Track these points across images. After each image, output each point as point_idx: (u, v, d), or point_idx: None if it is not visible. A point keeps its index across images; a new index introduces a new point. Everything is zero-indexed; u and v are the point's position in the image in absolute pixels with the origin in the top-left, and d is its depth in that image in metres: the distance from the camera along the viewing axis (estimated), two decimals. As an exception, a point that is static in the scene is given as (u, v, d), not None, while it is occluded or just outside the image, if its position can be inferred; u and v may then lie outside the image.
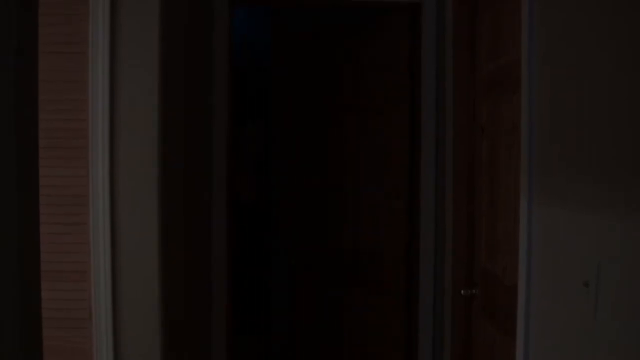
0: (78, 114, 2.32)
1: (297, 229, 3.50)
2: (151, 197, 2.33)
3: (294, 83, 3.23)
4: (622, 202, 1.35)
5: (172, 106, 2.53)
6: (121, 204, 2.32)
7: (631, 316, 1.31)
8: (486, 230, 2.52)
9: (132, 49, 2.31)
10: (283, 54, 3.28)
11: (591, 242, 1.47)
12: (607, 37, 1.43)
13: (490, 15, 2.52)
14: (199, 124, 3.05)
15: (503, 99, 2.31)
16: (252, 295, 4.17)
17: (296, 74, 3.19)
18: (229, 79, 3.09)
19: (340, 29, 3.21)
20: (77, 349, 2.34)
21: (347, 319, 3.27)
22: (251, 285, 4.13)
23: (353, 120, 3.14)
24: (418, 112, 3.08)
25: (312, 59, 3.21)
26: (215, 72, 3.06)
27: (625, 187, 1.34)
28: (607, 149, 1.41)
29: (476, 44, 2.68)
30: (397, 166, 3.19)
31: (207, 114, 3.06)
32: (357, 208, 3.27)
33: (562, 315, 1.63)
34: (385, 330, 3.22)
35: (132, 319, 2.34)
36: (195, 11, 3.05)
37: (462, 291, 2.60)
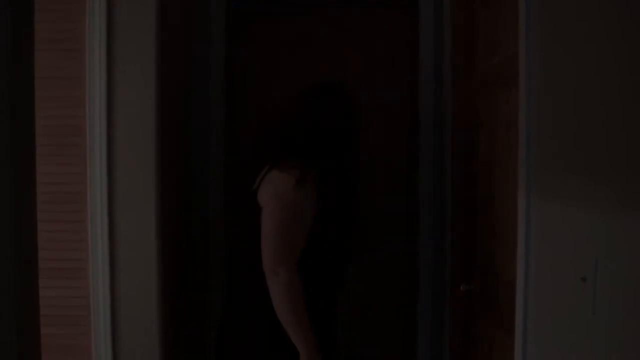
0: (75, 111, 2.32)
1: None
2: (149, 194, 2.33)
3: (286, 81, 3.22)
4: (619, 198, 1.35)
5: (170, 102, 2.53)
6: (119, 201, 2.32)
7: (629, 311, 1.31)
8: (484, 226, 2.53)
9: (129, 45, 2.31)
10: (279, 51, 3.28)
11: (589, 238, 1.47)
12: (604, 34, 1.43)
13: (487, 11, 2.52)
14: (196, 118, 3.04)
15: (500, 95, 2.31)
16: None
17: (289, 72, 3.19)
18: (225, 74, 3.09)
19: (339, 27, 3.21)
20: (75, 346, 2.34)
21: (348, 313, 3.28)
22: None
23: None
24: (417, 109, 3.08)
25: (307, 57, 3.21)
26: (212, 66, 3.06)
27: (622, 184, 1.34)
28: (604, 146, 1.41)
29: (474, 40, 2.68)
30: (397, 162, 3.19)
31: (204, 108, 3.05)
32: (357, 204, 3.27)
33: (560, 311, 1.63)
34: (385, 324, 3.23)
35: (130, 316, 2.34)
36: (192, 8, 3.04)
37: (461, 286, 2.61)
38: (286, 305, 1.98)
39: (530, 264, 1.81)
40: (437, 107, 3.03)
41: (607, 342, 1.39)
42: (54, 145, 2.32)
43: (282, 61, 3.14)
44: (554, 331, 1.68)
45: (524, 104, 1.83)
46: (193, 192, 3.02)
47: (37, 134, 1.39)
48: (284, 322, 1.99)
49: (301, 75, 3.20)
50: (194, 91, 3.04)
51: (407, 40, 3.16)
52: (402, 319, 3.21)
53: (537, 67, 1.78)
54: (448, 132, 2.85)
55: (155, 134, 2.33)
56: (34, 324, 1.35)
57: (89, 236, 2.31)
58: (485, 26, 2.53)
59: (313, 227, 2.04)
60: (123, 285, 2.33)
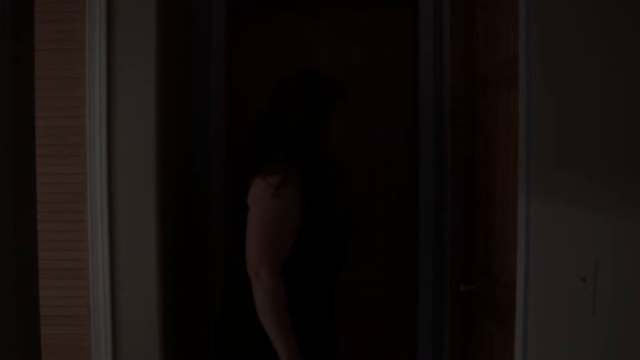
0: (75, 111, 2.32)
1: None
2: (149, 194, 2.33)
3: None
4: (620, 198, 1.35)
5: (170, 102, 2.53)
6: (119, 201, 2.32)
7: (629, 312, 1.31)
8: (484, 227, 2.53)
9: (130, 45, 2.31)
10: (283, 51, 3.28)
11: (589, 238, 1.47)
12: (603, 34, 1.43)
13: (486, 12, 2.52)
14: (196, 118, 3.04)
15: (500, 95, 2.31)
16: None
17: (290, 72, 3.19)
18: (226, 74, 3.09)
19: (340, 28, 3.21)
20: (75, 346, 2.34)
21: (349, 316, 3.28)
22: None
23: (353, 118, 3.14)
24: (417, 110, 3.08)
25: (308, 57, 3.21)
26: (212, 66, 3.06)
27: (622, 184, 1.34)
28: (603, 146, 1.41)
29: (474, 40, 2.68)
30: (397, 163, 3.19)
31: (204, 108, 3.05)
32: (358, 204, 3.27)
33: (560, 311, 1.63)
34: (385, 324, 3.23)
35: (130, 316, 2.34)
36: (192, 8, 3.04)
37: (461, 287, 2.61)
38: (269, 309, 1.96)
39: (530, 264, 1.81)
40: (437, 107, 3.03)
41: (607, 342, 1.39)
42: (54, 146, 2.32)
43: (283, 61, 3.14)
44: (554, 331, 1.68)
45: (524, 104, 1.84)
46: (193, 192, 3.02)
47: (37, 134, 1.39)
48: (266, 326, 1.97)
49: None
50: (194, 91, 3.04)
51: (407, 40, 3.17)
52: (402, 319, 3.22)
53: (537, 67, 1.78)
54: (448, 132, 2.85)
55: (156, 134, 2.33)
56: (34, 324, 1.35)
57: (89, 236, 2.31)
58: (485, 26, 2.53)
59: (302, 228, 2.02)
60: (123, 286, 2.33)
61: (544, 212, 1.73)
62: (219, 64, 3.07)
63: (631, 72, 1.30)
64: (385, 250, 3.22)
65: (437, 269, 3.06)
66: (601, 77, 1.43)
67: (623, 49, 1.34)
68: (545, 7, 1.74)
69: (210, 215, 3.06)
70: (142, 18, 2.31)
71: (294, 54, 3.16)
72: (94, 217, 2.30)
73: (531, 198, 1.80)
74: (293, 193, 1.99)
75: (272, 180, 1.98)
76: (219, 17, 3.07)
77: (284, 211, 1.99)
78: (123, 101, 2.31)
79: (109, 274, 2.31)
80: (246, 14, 3.18)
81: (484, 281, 2.52)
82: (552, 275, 1.68)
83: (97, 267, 2.31)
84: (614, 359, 1.37)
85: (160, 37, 2.35)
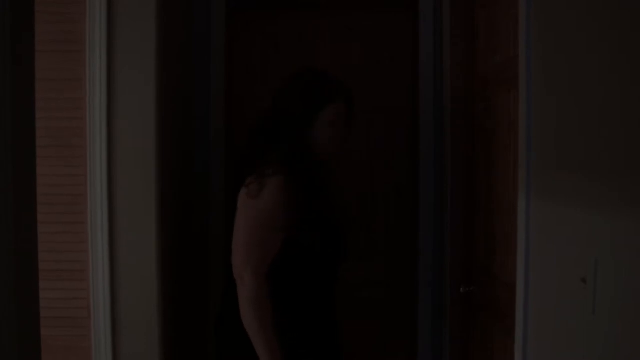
0: (76, 112, 2.32)
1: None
2: (149, 194, 2.33)
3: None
4: (620, 198, 1.35)
5: (170, 103, 2.53)
6: (119, 203, 2.32)
7: (629, 312, 1.31)
8: (484, 227, 2.53)
9: (130, 46, 2.31)
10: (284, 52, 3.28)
11: (589, 238, 1.47)
12: (603, 34, 1.43)
13: (486, 12, 2.52)
14: (197, 119, 3.04)
15: (500, 95, 2.31)
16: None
17: (290, 72, 3.19)
18: (226, 75, 3.09)
19: (340, 28, 3.21)
20: (75, 347, 2.35)
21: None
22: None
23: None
24: (417, 110, 3.08)
25: (308, 57, 3.21)
26: (212, 67, 3.06)
27: (622, 184, 1.34)
28: (603, 146, 1.41)
29: (474, 40, 2.68)
30: (397, 163, 3.19)
31: (204, 108, 3.05)
32: (358, 204, 3.27)
33: (560, 312, 1.63)
34: (385, 324, 3.23)
35: (130, 316, 2.34)
36: (192, 8, 3.04)
37: (461, 288, 2.61)
38: (252, 312, 1.95)
39: (530, 264, 1.81)
40: (437, 107, 3.03)
41: (607, 342, 1.40)
42: (54, 147, 2.32)
43: (283, 61, 3.14)
44: (554, 331, 1.68)
45: (524, 104, 1.84)
46: (194, 193, 3.02)
47: (37, 136, 1.39)
48: (248, 329, 1.96)
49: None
50: (194, 91, 3.04)
51: (407, 40, 3.16)
52: (402, 319, 3.22)
53: (537, 67, 1.78)
54: (448, 132, 2.85)
55: (156, 135, 2.33)
56: (35, 326, 1.35)
57: (90, 238, 2.31)
58: (485, 26, 2.53)
59: (297, 229, 1.99)
60: (123, 287, 2.33)
61: (544, 212, 1.73)
62: (219, 64, 3.07)
63: (631, 72, 1.30)
64: (385, 250, 3.22)
65: (437, 269, 3.06)
66: (601, 77, 1.43)
67: (623, 49, 1.34)
68: (545, 7, 1.74)
69: (210, 215, 3.06)
70: (142, 18, 2.31)
71: (294, 54, 3.16)
72: (94, 218, 2.30)
73: (531, 198, 1.80)
74: (280, 193, 1.97)
75: (254, 186, 1.98)
76: (219, 17, 3.07)
77: (267, 211, 1.96)
78: (123, 101, 2.31)
79: (109, 274, 2.31)
80: (246, 14, 3.18)
81: (484, 281, 2.52)
82: (552, 275, 1.68)
83: (97, 267, 2.31)
84: (614, 359, 1.37)
85: (160, 37, 2.35)
